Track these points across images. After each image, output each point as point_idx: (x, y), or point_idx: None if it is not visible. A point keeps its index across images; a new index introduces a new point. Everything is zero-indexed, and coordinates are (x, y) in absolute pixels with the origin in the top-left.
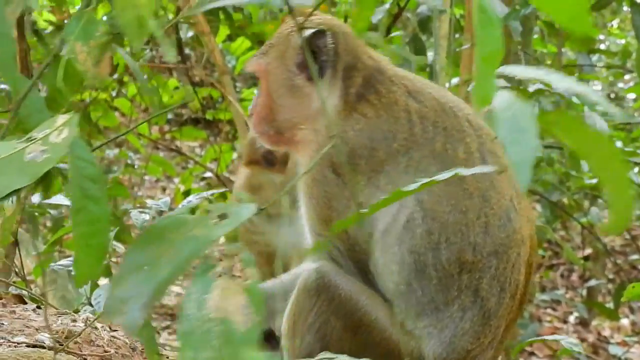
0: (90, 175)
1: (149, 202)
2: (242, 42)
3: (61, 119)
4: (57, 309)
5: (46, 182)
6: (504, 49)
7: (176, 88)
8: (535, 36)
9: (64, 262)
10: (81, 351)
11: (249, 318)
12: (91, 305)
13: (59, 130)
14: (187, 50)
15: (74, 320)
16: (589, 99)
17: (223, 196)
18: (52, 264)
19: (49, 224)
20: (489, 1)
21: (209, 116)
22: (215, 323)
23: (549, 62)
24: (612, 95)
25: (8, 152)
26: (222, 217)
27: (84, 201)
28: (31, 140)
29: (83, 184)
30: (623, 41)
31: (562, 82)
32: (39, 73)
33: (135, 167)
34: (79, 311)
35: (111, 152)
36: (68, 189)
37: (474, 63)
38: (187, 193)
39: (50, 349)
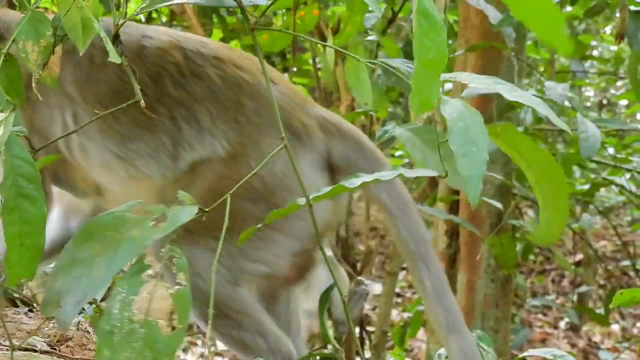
0: (27, 174)
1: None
2: (235, 46)
3: None
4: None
5: None
6: (447, 56)
7: None
8: (529, 42)
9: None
10: (73, 355)
11: (173, 324)
12: (83, 309)
13: None
14: None
15: None
16: (538, 109)
17: None
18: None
19: None
20: (432, 5)
21: None
22: (138, 325)
23: (542, 68)
24: (605, 102)
25: None
26: (161, 219)
27: (18, 200)
28: None
29: (18, 183)
30: (615, 48)
31: (512, 93)
32: None
33: None
34: None
35: None
36: (1, 188)
37: (414, 70)
38: None
39: (42, 352)
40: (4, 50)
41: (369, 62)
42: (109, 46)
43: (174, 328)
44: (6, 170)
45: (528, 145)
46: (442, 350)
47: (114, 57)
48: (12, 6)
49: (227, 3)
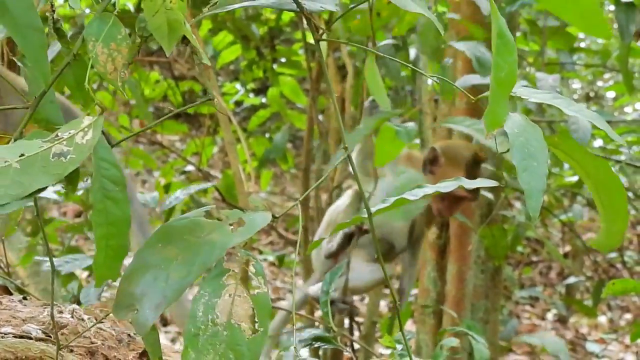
0: (113, 177)
1: (138, 196)
2: (224, 37)
3: (87, 120)
4: (41, 297)
5: (71, 181)
6: (517, 74)
7: (157, 81)
8: (519, 34)
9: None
10: (68, 342)
11: (255, 327)
12: (79, 303)
13: (84, 131)
14: None
15: (60, 312)
16: (597, 124)
17: (205, 191)
18: (36, 257)
19: (28, 216)
20: (505, 26)
21: (190, 110)
22: (221, 327)
23: (530, 59)
24: (592, 94)
25: (33, 151)
26: (238, 223)
27: (105, 202)
28: (56, 140)
29: (105, 186)
30: (602, 41)
31: (569, 107)
32: (60, 70)
33: None
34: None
35: None
36: (90, 191)
37: (490, 87)
38: (167, 187)
39: (37, 339)
40: (74, 51)
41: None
42: (200, 50)
43: (256, 331)
44: (94, 173)
45: (585, 155)
46: (446, 341)
47: (205, 60)
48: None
49: (289, 7)
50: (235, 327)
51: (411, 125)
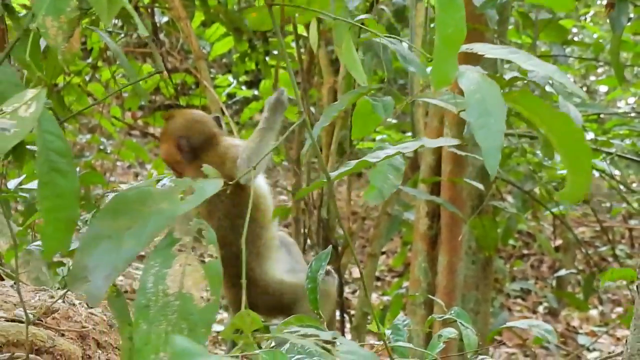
0: (58, 149)
1: (123, 187)
2: (217, 29)
3: (29, 93)
4: (33, 286)
5: (18, 155)
6: (465, 32)
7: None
8: (511, 27)
9: (39, 243)
10: (59, 326)
11: (207, 295)
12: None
13: (27, 104)
14: (161, 36)
15: (52, 297)
16: (555, 77)
17: None
18: (28, 245)
19: (20, 207)
20: None
21: (182, 102)
22: (173, 298)
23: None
24: (584, 88)
25: None
26: (188, 192)
27: (51, 175)
28: (0, 114)
29: (50, 157)
30: (596, 35)
31: (527, 62)
32: (10, 47)
33: (108, 152)
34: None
35: (83, 137)
36: (35, 163)
37: (435, 45)
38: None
39: (28, 323)
40: (24, 26)
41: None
42: (137, 19)
43: (208, 300)
44: (39, 146)
45: (546, 110)
46: (444, 331)
47: (142, 30)
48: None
49: None
50: (186, 296)
51: (388, 98)
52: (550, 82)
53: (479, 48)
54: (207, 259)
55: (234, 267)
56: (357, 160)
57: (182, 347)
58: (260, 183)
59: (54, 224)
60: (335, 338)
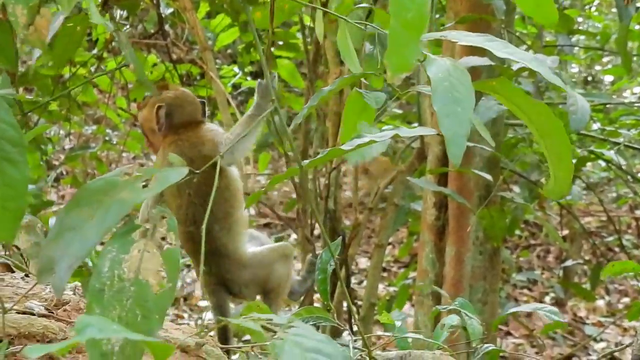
0: (10, 138)
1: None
2: (222, 19)
3: None
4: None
5: None
6: (428, 17)
7: (155, 65)
8: (517, 16)
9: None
10: (70, 318)
11: (163, 282)
12: None
13: None
14: (166, 27)
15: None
16: (531, 66)
17: None
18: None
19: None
20: None
21: None
22: (128, 283)
23: (529, 42)
24: (590, 78)
25: None
26: (150, 180)
27: (1, 164)
28: None
29: (2, 147)
30: (600, 25)
31: (503, 50)
32: None
33: (114, 143)
34: None
35: (89, 129)
36: None
37: (390, 29)
38: None
39: (40, 315)
40: None
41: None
42: (93, 8)
43: (163, 287)
44: None
45: (525, 100)
46: (447, 319)
47: (96, 19)
48: None
49: None
50: (142, 283)
51: (380, 93)
52: (557, 72)
53: (452, 36)
54: (165, 246)
55: (205, 243)
56: (330, 149)
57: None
58: (232, 167)
59: (2, 213)
60: (291, 323)
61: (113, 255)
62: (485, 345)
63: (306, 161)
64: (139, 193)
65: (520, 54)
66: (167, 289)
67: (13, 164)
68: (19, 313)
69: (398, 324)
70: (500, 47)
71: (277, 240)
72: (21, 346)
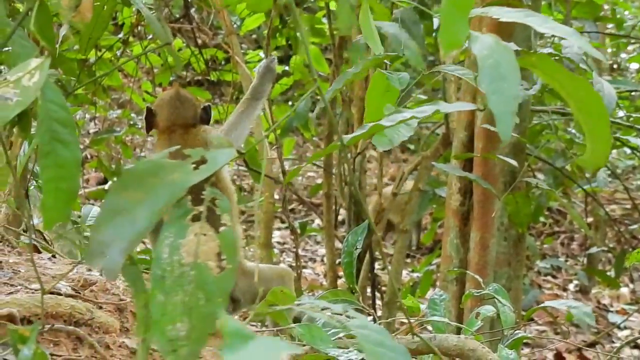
0: (61, 119)
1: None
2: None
3: (34, 62)
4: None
5: (23, 126)
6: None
7: (180, 49)
8: (543, 3)
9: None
10: (97, 299)
11: (222, 264)
12: None
13: (31, 73)
14: (192, 11)
15: (89, 270)
16: (572, 39)
17: None
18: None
19: None
20: None
21: (213, 77)
22: (188, 268)
23: None
24: (615, 66)
25: None
26: (201, 162)
27: (53, 144)
28: (3, 83)
29: (53, 127)
30: (627, 13)
31: (544, 25)
32: (22, 17)
33: (139, 127)
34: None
35: (114, 113)
36: (36, 133)
37: (442, 6)
38: None
39: (67, 296)
40: None
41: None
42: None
43: (223, 268)
44: (41, 115)
45: (564, 74)
46: (482, 309)
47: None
48: None
49: None
50: (202, 266)
51: (404, 73)
52: (585, 58)
53: (494, 12)
54: (221, 228)
55: None
56: (372, 124)
57: (235, 329)
58: (226, 176)
59: (55, 194)
60: (346, 311)
61: (170, 240)
62: (514, 332)
63: (348, 136)
64: (190, 175)
65: (561, 28)
66: (227, 270)
67: (65, 145)
68: (46, 293)
69: (423, 307)
70: (540, 22)
71: (302, 225)
72: (49, 325)
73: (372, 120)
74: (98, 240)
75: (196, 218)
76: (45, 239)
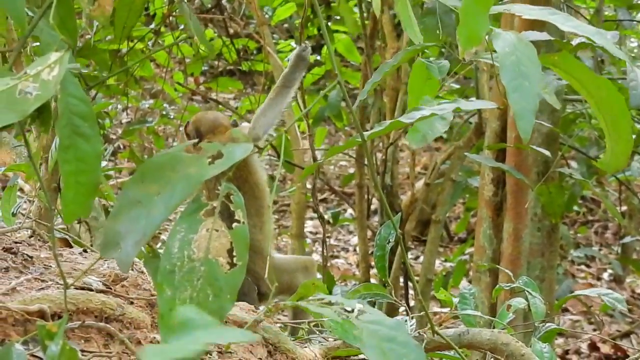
0: (81, 112)
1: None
2: None
3: (54, 56)
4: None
5: (44, 120)
6: None
7: (211, 39)
8: None
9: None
10: (128, 294)
11: (233, 261)
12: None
13: (51, 67)
14: (223, 1)
15: None
16: (594, 39)
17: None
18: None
19: None
20: None
21: (244, 67)
22: (198, 263)
23: (588, 17)
24: None
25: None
26: (217, 156)
27: (73, 138)
28: (22, 77)
29: (73, 121)
30: None
31: (567, 23)
32: (44, 10)
33: (171, 117)
34: None
35: (146, 103)
36: (56, 126)
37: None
38: None
39: (98, 291)
40: None
41: None
42: None
43: (234, 265)
44: (61, 109)
45: (587, 74)
46: (513, 301)
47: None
48: None
49: None
50: (212, 262)
51: (444, 61)
52: (617, 47)
53: (517, 9)
54: (234, 225)
55: None
56: (390, 121)
57: (187, 318)
58: (255, 158)
59: (75, 187)
60: (361, 308)
61: (182, 235)
62: (547, 324)
63: (367, 132)
64: (206, 169)
65: (584, 27)
66: (237, 267)
67: (85, 139)
68: (77, 288)
69: (455, 300)
70: (563, 21)
71: (334, 215)
72: (79, 322)
73: (415, 104)
74: (113, 231)
75: (210, 213)
76: (90, 230)
